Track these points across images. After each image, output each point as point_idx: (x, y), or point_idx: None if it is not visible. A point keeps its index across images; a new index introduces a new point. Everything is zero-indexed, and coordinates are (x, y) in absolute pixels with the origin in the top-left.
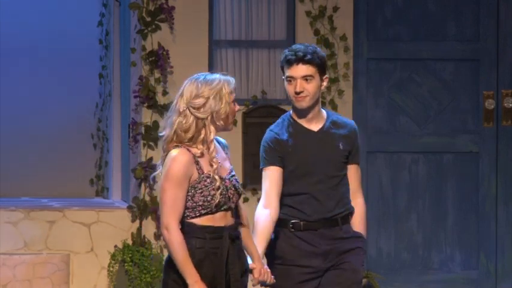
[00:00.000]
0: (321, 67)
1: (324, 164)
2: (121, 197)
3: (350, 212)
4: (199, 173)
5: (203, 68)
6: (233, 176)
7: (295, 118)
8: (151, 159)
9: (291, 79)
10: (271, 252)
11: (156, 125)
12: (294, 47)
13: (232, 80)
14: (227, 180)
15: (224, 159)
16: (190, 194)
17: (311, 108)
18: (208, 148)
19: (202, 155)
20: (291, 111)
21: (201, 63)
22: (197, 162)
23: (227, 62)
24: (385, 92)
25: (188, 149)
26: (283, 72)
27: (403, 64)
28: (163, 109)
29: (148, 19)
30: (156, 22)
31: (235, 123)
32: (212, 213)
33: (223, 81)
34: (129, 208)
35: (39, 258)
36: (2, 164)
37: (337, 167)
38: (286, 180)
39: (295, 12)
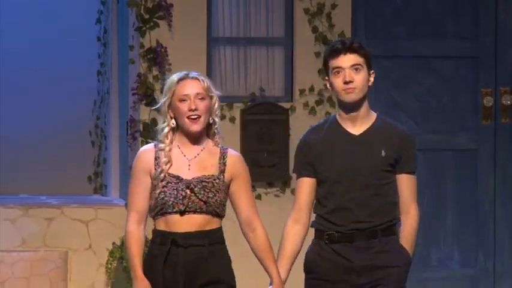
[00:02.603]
0: (368, 59)
1: (360, 171)
2: (119, 195)
3: (394, 224)
4: (155, 170)
5: (201, 65)
6: (203, 181)
7: (339, 119)
8: None
9: (338, 70)
10: (307, 263)
11: (154, 123)
12: (337, 40)
13: (176, 77)
14: (183, 182)
15: (202, 162)
16: (151, 191)
17: (359, 104)
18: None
19: (168, 150)
20: (337, 113)
21: (199, 61)
22: (157, 158)
23: (225, 59)
24: (384, 89)
25: (156, 145)
26: (328, 67)
27: (401, 62)
28: None
29: (147, 16)
30: (154, 19)
31: (233, 120)
32: (164, 214)
33: (172, 77)
34: (127, 205)
35: (37, 255)
36: (1, 162)
37: (377, 176)
38: (320, 188)
39: (293, 9)
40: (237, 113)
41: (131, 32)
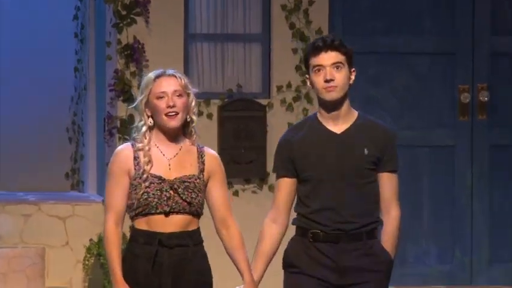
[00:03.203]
0: (349, 57)
1: (343, 170)
2: (96, 191)
3: (377, 227)
4: (135, 169)
5: (179, 62)
6: (185, 182)
7: (320, 118)
8: None
9: (319, 68)
10: (288, 258)
11: (131, 119)
12: (319, 37)
13: (153, 75)
14: (166, 182)
15: (181, 162)
16: (130, 191)
17: (340, 103)
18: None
19: (147, 149)
20: (318, 112)
21: (176, 57)
22: (136, 158)
23: (203, 56)
24: (361, 85)
25: (133, 144)
26: (308, 65)
27: (378, 58)
28: None
29: (124, 13)
30: (131, 16)
31: (210, 116)
32: (146, 215)
33: (149, 75)
34: (105, 202)
35: (15, 252)
36: None
37: (360, 174)
38: (302, 187)
39: (271, 5)
40: (214, 109)
41: (108, 29)
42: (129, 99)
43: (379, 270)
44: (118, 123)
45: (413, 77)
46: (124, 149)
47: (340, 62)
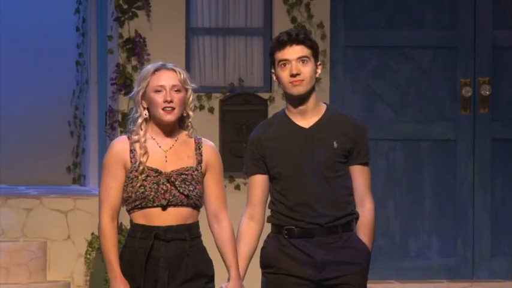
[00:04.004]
0: (315, 50)
1: (313, 164)
2: (98, 185)
3: (354, 219)
4: (131, 162)
5: (180, 56)
6: (182, 174)
7: (288, 113)
8: None
9: (285, 62)
10: (264, 259)
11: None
12: (283, 32)
13: (152, 67)
14: (163, 175)
15: (178, 154)
16: (126, 184)
17: (307, 97)
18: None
19: (143, 141)
20: (286, 107)
21: (178, 51)
22: (132, 151)
23: (204, 50)
24: (363, 79)
25: (129, 136)
26: (274, 60)
27: (380, 51)
28: None
29: (125, 6)
30: (133, 9)
31: (212, 110)
32: (143, 208)
33: (148, 67)
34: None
35: (16, 245)
36: None
37: (331, 168)
38: (274, 184)
39: None
40: (215, 103)
41: (110, 22)
42: (130, 93)
43: (358, 263)
44: (119, 117)
45: (414, 70)
46: (120, 142)
47: (306, 56)
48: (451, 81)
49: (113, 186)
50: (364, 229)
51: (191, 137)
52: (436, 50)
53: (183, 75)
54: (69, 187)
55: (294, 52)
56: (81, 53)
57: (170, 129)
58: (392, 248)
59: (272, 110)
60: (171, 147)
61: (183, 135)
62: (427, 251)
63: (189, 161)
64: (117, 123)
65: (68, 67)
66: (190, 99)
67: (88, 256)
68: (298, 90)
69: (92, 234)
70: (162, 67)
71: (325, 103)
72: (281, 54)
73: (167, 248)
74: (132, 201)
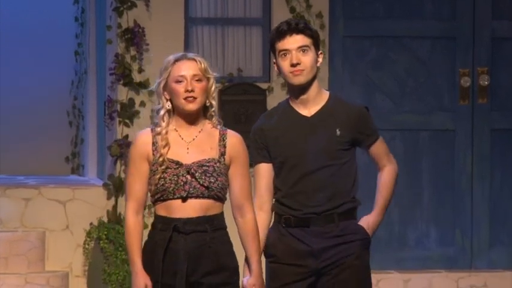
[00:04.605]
0: (315, 39)
1: (315, 153)
2: (96, 175)
3: (353, 207)
4: (154, 155)
5: (179, 46)
6: (203, 166)
7: (291, 103)
8: (127, 136)
9: (285, 52)
10: (266, 248)
11: (131, 103)
12: (283, 22)
13: (172, 58)
14: (183, 167)
15: (201, 145)
16: (150, 176)
17: (308, 86)
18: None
19: (165, 133)
20: (289, 97)
21: (177, 41)
22: (154, 143)
23: (203, 40)
24: (361, 69)
25: (152, 129)
26: (275, 50)
27: (379, 42)
28: (139, 86)
29: None
30: None
31: None
32: (165, 200)
33: (169, 57)
34: (105, 186)
35: (15, 235)
36: None
37: (332, 156)
38: (277, 172)
39: None
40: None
41: (109, 12)
42: (129, 83)
43: (353, 240)
44: (118, 107)
45: (413, 61)
46: (143, 134)
47: (306, 45)
48: (450, 72)
49: (137, 179)
50: (381, 188)
51: (217, 128)
52: (435, 41)
53: (204, 64)
54: (68, 177)
55: (294, 42)
56: (80, 43)
57: (193, 120)
58: (391, 238)
59: (271, 100)
60: (193, 139)
61: (207, 126)
62: (426, 241)
63: (211, 153)
64: (115, 113)
65: (66, 57)
66: (213, 88)
67: (87, 246)
68: (299, 79)
69: (91, 224)
70: (183, 57)
71: (328, 91)
72: (281, 44)
73: (186, 241)
74: (154, 193)
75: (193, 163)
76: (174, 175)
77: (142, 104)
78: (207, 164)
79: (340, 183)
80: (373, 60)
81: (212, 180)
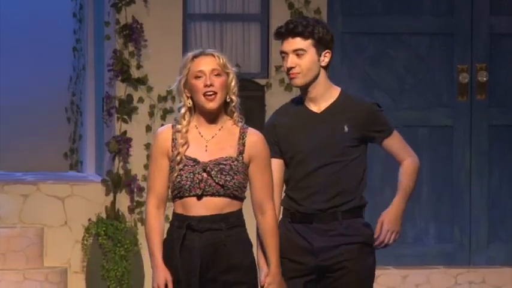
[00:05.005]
0: (317, 40)
1: (323, 149)
2: (95, 171)
3: (359, 206)
4: (173, 151)
5: (177, 42)
6: (220, 164)
7: (303, 98)
8: (125, 132)
9: (283, 55)
10: None
11: (130, 99)
12: (288, 20)
13: (191, 54)
14: (200, 164)
15: (220, 143)
16: (170, 173)
17: (310, 86)
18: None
19: (185, 131)
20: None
21: (175, 37)
22: (174, 140)
23: (201, 36)
24: (360, 66)
25: (173, 125)
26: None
27: (377, 38)
28: (137, 82)
29: None
30: None
31: None
32: (182, 197)
33: (187, 54)
34: (103, 182)
35: (13, 231)
36: None
37: (340, 153)
38: (287, 169)
39: None
40: None
41: (107, 8)
42: (127, 79)
43: (355, 242)
44: (116, 103)
45: (412, 57)
46: (163, 131)
47: (301, 49)
48: (448, 68)
49: (157, 175)
50: (403, 177)
51: (237, 125)
52: (434, 37)
53: (223, 59)
54: (66, 173)
55: (289, 45)
56: (78, 39)
57: (214, 117)
58: None
59: (269, 96)
60: (213, 137)
61: (228, 123)
62: (424, 237)
63: (230, 151)
64: (114, 109)
65: (65, 53)
66: (233, 83)
67: (85, 242)
68: (295, 82)
69: (89, 220)
70: (201, 53)
71: (339, 87)
72: (281, 46)
73: (201, 239)
74: (172, 190)
75: (210, 161)
76: (190, 173)
77: (141, 100)
78: (224, 162)
79: (346, 180)
80: (372, 56)
81: (228, 179)
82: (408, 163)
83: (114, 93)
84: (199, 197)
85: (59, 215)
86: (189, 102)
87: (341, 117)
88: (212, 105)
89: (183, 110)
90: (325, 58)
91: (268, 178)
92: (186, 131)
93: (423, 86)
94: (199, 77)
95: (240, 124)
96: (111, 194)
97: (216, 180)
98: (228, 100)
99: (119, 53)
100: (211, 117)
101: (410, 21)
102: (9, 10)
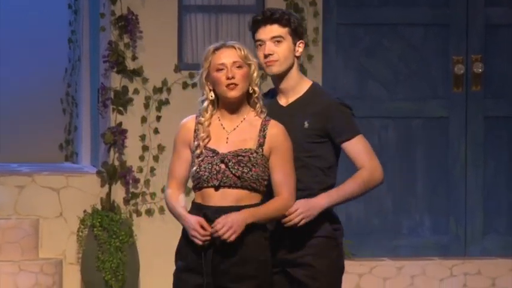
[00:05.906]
0: (293, 29)
1: None
2: (90, 162)
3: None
4: (194, 142)
5: (172, 33)
6: (239, 156)
7: (276, 90)
8: (120, 124)
9: (260, 42)
10: None
11: (125, 90)
12: (262, 11)
13: (212, 47)
14: (218, 155)
15: (241, 135)
16: (192, 163)
17: (284, 76)
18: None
19: (207, 124)
20: None
21: (170, 29)
22: (196, 131)
23: (197, 27)
24: (355, 57)
25: (197, 116)
26: (254, 39)
27: (372, 29)
28: (132, 74)
29: None
30: None
31: None
32: (201, 188)
33: (208, 47)
34: (98, 173)
35: (8, 223)
36: None
37: (302, 148)
38: None
39: None
40: None
41: (102, 0)
42: (123, 70)
43: (315, 237)
44: (112, 95)
45: (407, 48)
46: (187, 122)
47: (280, 36)
48: (444, 59)
49: (177, 163)
50: (349, 180)
51: (260, 117)
52: (429, 28)
53: (244, 51)
54: (62, 164)
55: (267, 32)
56: (73, 30)
57: (236, 108)
58: (385, 225)
59: (264, 87)
60: (235, 129)
61: (251, 114)
62: (420, 229)
63: (250, 143)
64: (109, 100)
65: (60, 44)
66: (255, 74)
67: (80, 234)
68: (271, 70)
69: (85, 211)
70: (222, 46)
71: (312, 81)
72: (257, 34)
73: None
74: (192, 180)
75: (229, 152)
76: (208, 163)
77: (136, 91)
78: (243, 154)
79: (310, 175)
80: (367, 47)
81: (245, 171)
82: (361, 173)
83: (109, 85)
84: (216, 188)
85: (54, 206)
86: (212, 95)
87: (303, 113)
88: (234, 93)
89: (205, 103)
90: (299, 48)
91: (289, 171)
92: (208, 125)
93: (418, 77)
94: (221, 69)
95: (262, 116)
96: (107, 186)
97: (233, 172)
98: (251, 91)
99: (114, 45)
100: (234, 108)
101: (406, 12)
102: (5, 1)
